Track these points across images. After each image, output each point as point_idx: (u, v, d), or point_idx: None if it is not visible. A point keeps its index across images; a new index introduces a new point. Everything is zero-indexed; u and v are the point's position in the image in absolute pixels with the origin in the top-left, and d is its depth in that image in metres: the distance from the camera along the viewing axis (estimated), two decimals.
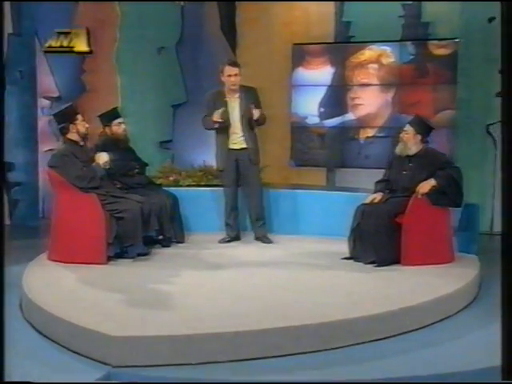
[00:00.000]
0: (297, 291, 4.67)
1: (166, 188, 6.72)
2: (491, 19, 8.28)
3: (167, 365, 3.64)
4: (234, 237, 6.65)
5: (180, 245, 6.35)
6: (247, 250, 6.29)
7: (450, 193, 5.39)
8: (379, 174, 8.49)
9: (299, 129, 8.82)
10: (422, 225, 5.38)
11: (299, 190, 7.35)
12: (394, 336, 4.13)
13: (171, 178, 7.10)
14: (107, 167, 5.70)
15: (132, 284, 4.87)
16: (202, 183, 7.20)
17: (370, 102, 8.64)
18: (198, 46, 9.25)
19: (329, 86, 8.76)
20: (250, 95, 6.54)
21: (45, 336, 4.17)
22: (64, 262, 5.44)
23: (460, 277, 5.00)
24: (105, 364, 3.65)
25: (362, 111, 8.68)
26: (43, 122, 9.13)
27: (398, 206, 5.45)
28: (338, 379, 3.53)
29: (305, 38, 8.84)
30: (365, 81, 8.62)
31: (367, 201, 5.70)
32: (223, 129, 6.52)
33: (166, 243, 6.19)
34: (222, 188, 6.93)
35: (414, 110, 8.37)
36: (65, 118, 5.65)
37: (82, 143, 5.71)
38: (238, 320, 3.96)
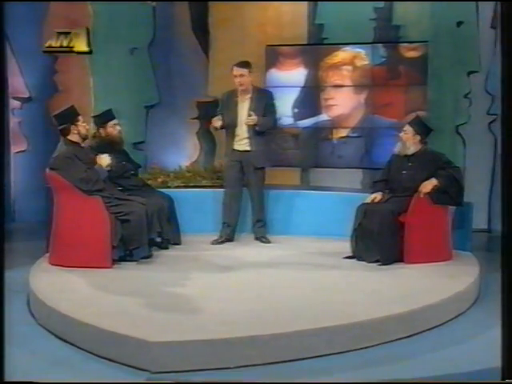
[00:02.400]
0: (315, 291, 4.75)
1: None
2: (459, 23, 8.57)
3: (206, 369, 3.63)
4: (228, 237, 6.66)
5: (177, 246, 6.34)
6: (247, 250, 6.33)
7: (451, 192, 5.57)
8: (352, 173, 8.77)
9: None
10: (424, 223, 5.54)
11: (288, 190, 7.47)
12: (417, 334, 4.25)
13: (159, 180, 7.08)
14: (109, 169, 5.65)
15: (147, 287, 4.84)
16: (191, 184, 7.21)
17: (343, 102, 8.81)
18: (170, 46, 9.26)
19: (302, 87, 8.88)
20: (262, 98, 6.58)
21: (69, 343, 4.09)
22: (67, 267, 5.35)
23: (466, 274, 5.19)
24: (143, 370, 3.62)
25: (336, 112, 8.84)
26: (13, 123, 8.95)
27: (400, 205, 5.60)
28: (374, 380, 3.60)
29: (278, 40, 8.92)
30: (338, 82, 8.78)
31: (368, 200, 5.82)
32: (230, 129, 6.58)
33: (164, 245, 6.17)
34: (210, 189, 6.99)
35: (386, 111, 8.65)
36: (66, 119, 5.56)
37: (82, 145, 5.65)
38: (270, 322, 4.01)
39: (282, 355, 3.79)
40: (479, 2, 8.47)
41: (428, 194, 5.53)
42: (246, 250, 6.37)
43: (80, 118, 5.62)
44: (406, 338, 4.18)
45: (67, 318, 4.17)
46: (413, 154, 5.83)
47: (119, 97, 8.92)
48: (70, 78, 8.99)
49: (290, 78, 8.90)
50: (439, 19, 8.59)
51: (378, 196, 5.85)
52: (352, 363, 3.81)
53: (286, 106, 8.87)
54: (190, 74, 9.29)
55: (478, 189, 8.31)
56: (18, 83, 8.98)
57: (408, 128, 5.87)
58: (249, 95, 6.56)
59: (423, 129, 5.91)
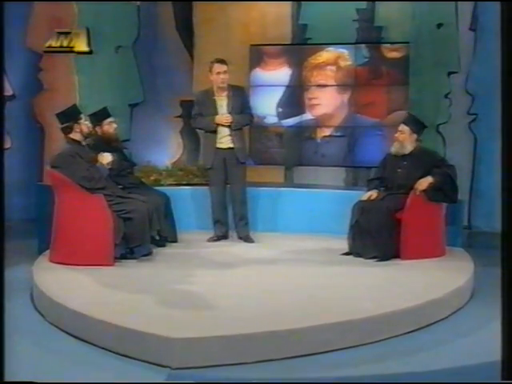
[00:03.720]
0: (320, 287, 4.85)
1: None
2: (440, 25, 8.77)
3: (225, 364, 3.70)
4: (223, 235, 6.74)
5: (174, 244, 6.40)
6: (244, 248, 6.45)
7: (446, 189, 5.74)
8: (335, 171, 8.93)
9: (258, 128, 8.94)
10: (419, 220, 5.70)
11: (275, 188, 7.61)
12: (425, 327, 4.39)
13: (152, 178, 7.12)
14: (109, 167, 5.69)
15: (155, 285, 4.90)
16: (183, 182, 7.28)
17: (326, 102, 8.92)
18: (154, 45, 9.33)
19: (287, 87, 8.98)
20: (238, 94, 6.65)
21: (83, 340, 4.11)
22: (69, 264, 5.38)
23: (462, 269, 5.37)
24: (163, 366, 3.65)
25: (319, 111, 8.96)
26: None
27: (396, 203, 5.74)
28: (391, 372, 3.69)
29: (262, 39, 9.01)
30: (322, 82, 8.90)
31: (364, 198, 5.95)
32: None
33: (161, 243, 6.22)
34: (202, 187, 7.06)
35: (368, 111, 8.80)
36: (69, 118, 5.60)
37: (83, 143, 5.68)
38: (283, 318, 4.09)
39: (299, 350, 3.87)
40: (458, 5, 8.69)
41: (424, 191, 5.69)
42: (243, 247, 6.49)
43: (82, 116, 5.66)
44: (412, 331, 4.30)
45: (81, 315, 4.18)
46: (408, 153, 5.97)
47: (104, 95, 8.88)
48: (55, 76, 8.96)
49: (274, 77, 8.99)
50: (420, 21, 8.77)
51: (373, 194, 5.98)
52: (365, 357, 3.91)
53: (270, 105, 8.98)
54: (173, 73, 9.35)
55: (458, 187, 8.52)
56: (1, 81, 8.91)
57: (404, 127, 5.99)
58: (225, 93, 6.63)
59: (418, 126, 6.04)
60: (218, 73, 6.50)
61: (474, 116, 8.67)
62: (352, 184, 8.93)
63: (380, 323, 4.20)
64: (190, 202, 7.09)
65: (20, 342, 4.10)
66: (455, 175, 5.82)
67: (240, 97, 6.65)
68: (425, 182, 5.70)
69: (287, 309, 4.31)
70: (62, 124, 5.62)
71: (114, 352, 3.91)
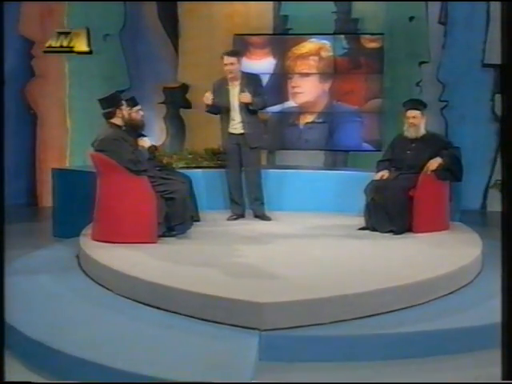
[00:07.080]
0: (363, 257, 5.30)
1: None
2: (411, 18, 9.45)
3: (305, 325, 4.05)
4: (240, 214, 7.12)
5: (198, 223, 6.62)
6: (265, 225, 6.76)
7: (453, 169, 6.30)
8: (314, 154, 9.49)
9: None
10: (430, 197, 6.23)
11: (281, 170, 8.02)
12: (458, 290, 4.87)
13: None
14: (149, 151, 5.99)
15: (210, 258, 5.14)
16: (193, 165, 7.61)
17: (309, 90, 9.48)
18: (139, 34, 9.62)
19: (271, 75, 9.45)
20: (251, 82, 6.98)
21: (162, 309, 4.34)
22: (115, 242, 5.55)
23: (474, 239, 5.92)
24: (252, 329, 3.96)
25: (302, 99, 9.51)
26: None
27: (409, 182, 6.25)
28: (441, 328, 4.16)
29: (245, 30, 9.46)
30: (305, 71, 9.44)
31: (377, 177, 6.43)
32: (225, 114, 6.97)
33: None
34: (211, 170, 7.48)
35: (347, 98, 9.40)
36: (111, 103, 5.82)
37: (124, 128, 5.94)
38: (349, 283, 4.50)
39: (365, 311, 4.28)
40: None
41: (433, 171, 6.25)
42: (264, 224, 6.79)
43: (123, 102, 5.91)
44: (450, 293, 4.78)
45: (163, 286, 4.41)
46: (418, 136, 6.50)
47: (93, 82, 9.14)
48: (46, 63, 9.11)
49: (259, 66, 9.37)
50: (394, 14, 9.44)
51: (385, 174, 6.46)
52: (418, 316, 4.34)
53: None
54: (157, 61, 9.69)
55: None
56: None
57: (415, 112, 6.42)
58: (238, 81, 6.95)
59: (423, 107, 6.54)
60: (225, 64, 6.86)
61: (445, 103, 9.37)
62: (331, 166, 9.51)
63: (428, 287, 4.66)
64: (200, 184, 7.35)
65: (95, 314, 4.37)
66: (461, 156, 6.39)
67: (252, 84, 6.98)
68: (435, 163, 6.23)
69: (345, 276, 4.72)
70: (104, 109, 5.85)
71: (200, 318, 4.16)
